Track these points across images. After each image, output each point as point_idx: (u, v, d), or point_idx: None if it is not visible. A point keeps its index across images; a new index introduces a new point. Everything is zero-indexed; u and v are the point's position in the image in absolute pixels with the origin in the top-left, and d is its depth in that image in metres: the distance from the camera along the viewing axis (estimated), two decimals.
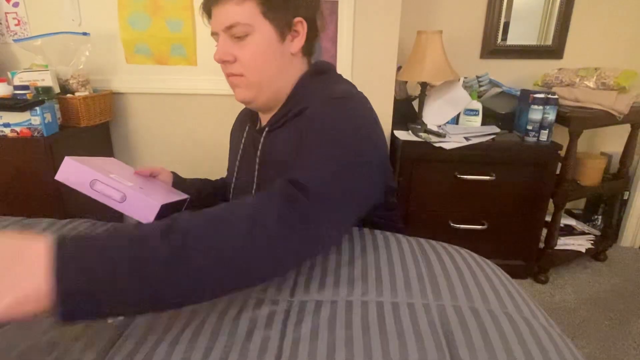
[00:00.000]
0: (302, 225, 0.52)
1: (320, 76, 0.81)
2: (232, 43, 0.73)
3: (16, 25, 1.86)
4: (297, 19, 0.75)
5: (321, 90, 0.74)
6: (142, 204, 0.73)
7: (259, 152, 0.81)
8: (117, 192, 0.73)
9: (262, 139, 0.81)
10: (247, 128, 0.89)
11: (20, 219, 0.88)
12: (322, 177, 0.57)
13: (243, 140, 0.88)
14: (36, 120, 1.50)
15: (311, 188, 0.54)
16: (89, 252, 0.41)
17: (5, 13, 1.84)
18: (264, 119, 0.85)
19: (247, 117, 0.93)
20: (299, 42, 0.77)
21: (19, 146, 1.53)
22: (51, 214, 1.18)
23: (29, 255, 0.37)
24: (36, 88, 1.56)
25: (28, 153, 1.53)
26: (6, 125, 1.51)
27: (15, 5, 1.83)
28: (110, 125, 1.98)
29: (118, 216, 2.07)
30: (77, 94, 1.70)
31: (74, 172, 0.73)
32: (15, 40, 1.82)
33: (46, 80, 1.63)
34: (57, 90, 1.67)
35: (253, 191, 0.82)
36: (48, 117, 1.54)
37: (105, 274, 0.40)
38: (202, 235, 0.46)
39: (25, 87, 1.55)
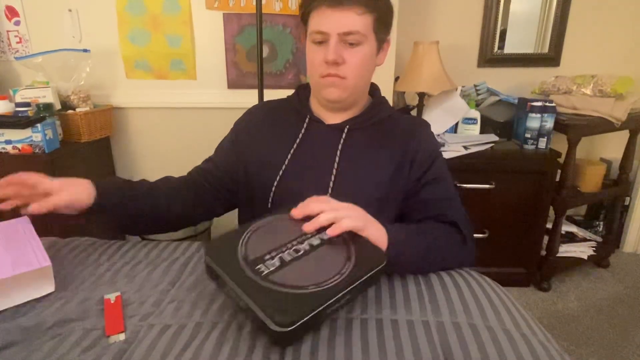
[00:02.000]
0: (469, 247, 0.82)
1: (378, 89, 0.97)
2: (342, 47, 0.79)
3: (18, 42, 1.88)
4: (388, 37, 0.86)
5: (389, 106, 0.94)
6: None
7: (340, 146, 0.87)
8: None
9: (344, 135, 0.88)
10: (306, 120, 0.91)
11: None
12: (463, 216, 0.85)
13: (302, 132, 0.90)
14: (37, 137, 1.52)
15: (464, 233, 0.82)
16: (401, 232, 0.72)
17: (7, 31, 1.87)
18: (333, 116, 0.91)
19: (281, 111, 0.96)
20: (383, 56, 0.88)
21: (20, 163, 1.54)
22: (52, 231, 1.18)
23: (377, 224, 0.68)
24: (37, 105, 1.58)
25: (29, 169, 1.53)
26: (8, 142, 1.52)
27: (17, 23, 1.85)
28: (111, 140, 2.00)
29: (120, 237, 2.07)
30: (78, 109, 1.72)
31: None
32: (16, 58, 1.84)
33: (47, 96, 1.65)
34: (58, 106, 1.69)
35: (332, 181, 0.85)
36: (49, 133, 1.55)
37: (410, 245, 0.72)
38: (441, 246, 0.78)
39: (27, 104, 1.56)
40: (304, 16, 0.83)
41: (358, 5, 0.77)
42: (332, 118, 0.90)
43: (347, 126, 0.88)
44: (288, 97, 0.99)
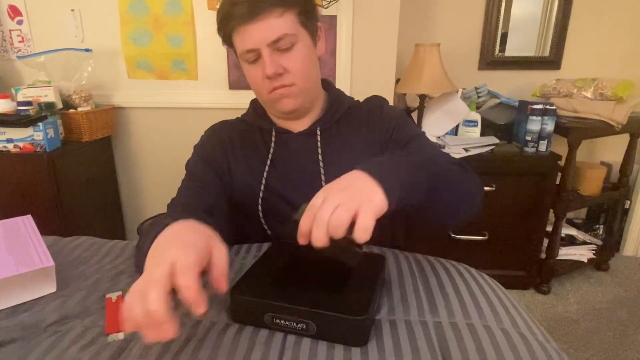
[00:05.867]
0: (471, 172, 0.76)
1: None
2: (278, 56, 0.75)
3: (20, 42, 1.89)
4: (319, 23, 0.82)
5: (347, 96, 0.92)
6: None
7: (320, 150, 0.85)
8: None
9: (319, 138, 0.85)
10: (273, 134, 0.87)
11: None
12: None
13: (272, 147, 0.86)
14: (39, 136, 1.52)
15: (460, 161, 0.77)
16: (392, 166, 0.59)
17: (10, 30, 1.88)
18: (298, 123, 0.87)
19: (244, 130, 0.90)
20: (322, 44, 0.84)
21: (21, 161, 1.55)
22: (53, 229, 1.19)
23: (364, 185, 0.54)
24: (39, 104, 1.59)
25: (30, 168, 1.55)
26: (9, 140, 1.53)
27: (20, 22, 1.86)
28: (112, 140, 2.00)
29: (120, 234, 2.08)
30: (79, 109, 1.72)
31: None
32: (19, 57, 1.85)
33: (49, 96, 1.66)
34: (59, 105, 1.69)
35: (322, 185, 0.81)
36: (50, 132, 1.56)
37: (411, 177, 0.60)
38: (450, 171, 0.71)
39: (29, 103, 1.57)
40: (225, 40, 0.79)
41: (274, 8, 0.72)
42: (297, 125, 0.87)
43: (319, 128, 0.86)
44: (245, 114, 0.94)
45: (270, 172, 0.85)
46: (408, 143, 0.85)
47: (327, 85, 0.93)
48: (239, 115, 0.95)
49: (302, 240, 0.54)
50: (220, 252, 0.51)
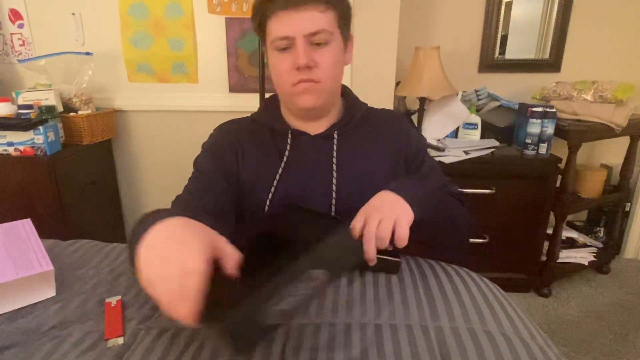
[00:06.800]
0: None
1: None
2: (311, 49, 0.75)
3: (21, 45, 1.89)
4: (350, 32, 0.83)
5: (361, 102, 0.93)
6: None
7: (335, 156, 0.84)
8: None
9: (335, 142, 0.85)
10: (289, 135, 0.86)
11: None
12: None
13: (288, 150, 0.85)
14: (39, 139, 1.52)
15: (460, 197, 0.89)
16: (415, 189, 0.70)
17: (11, 34, 1.88)
18: (314, 125, 0.86)
19: (256, 131, 0.88)
20: (350, 55, 0.84)
21: (22, 165, 1.55)
22: (53, 233, 1.19)
23: (395, 201, 0.66)
24: (40, 107, 1.59)
25: (31, 172, 1.55)
26: (10, 144, 1.53)
27: (21, 26, 1.87)
28: (113, 143, 2.00)
29: (121, 238, 2.08)
30: (80, 112, 1.73)
31: None
32: (19, 61, 1.86)
33: (50, 99, 1.66)
34: (60, 109, 1.70)
35: (334, 191, 0.82)
36: (51, 135, 1.56)
37: (426, 197, 0.70)
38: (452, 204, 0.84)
39: (29, 107, 1.57)
40: (260, 25, 0.78)
41: (318, 3, 0.73)
42: (314, 128, 0.86)
43: (336, 132, 0.85)
44: (256, 114, 0.92)
45: (282, 175, 0.83)
46: (419, 170, 0.89)
47: (345, 91, 0.93)
48: (248, 115, 0.93)
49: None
50: (226, 243, 0.48)
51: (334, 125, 0.86)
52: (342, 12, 0.77)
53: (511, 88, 2.19)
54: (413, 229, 0.64)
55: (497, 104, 2.02)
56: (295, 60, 0.74)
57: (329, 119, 0.87)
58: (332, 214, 0.81)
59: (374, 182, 0.81)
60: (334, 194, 0.82)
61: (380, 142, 0.87)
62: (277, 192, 0.82)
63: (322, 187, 0.83)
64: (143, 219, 0.55)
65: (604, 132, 1.82)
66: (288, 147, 0.85)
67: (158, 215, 0.51)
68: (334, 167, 0.83)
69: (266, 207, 0.82)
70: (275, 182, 0.83)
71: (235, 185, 0.85)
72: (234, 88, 1.92)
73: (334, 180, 0.83)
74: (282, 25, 0.73)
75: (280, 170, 0.83)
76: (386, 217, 0.62)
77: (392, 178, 0.85)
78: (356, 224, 0.64)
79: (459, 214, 0.83)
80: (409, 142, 0.89)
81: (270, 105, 0.90)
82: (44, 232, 0.83)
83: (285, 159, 0.84)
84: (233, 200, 0.84)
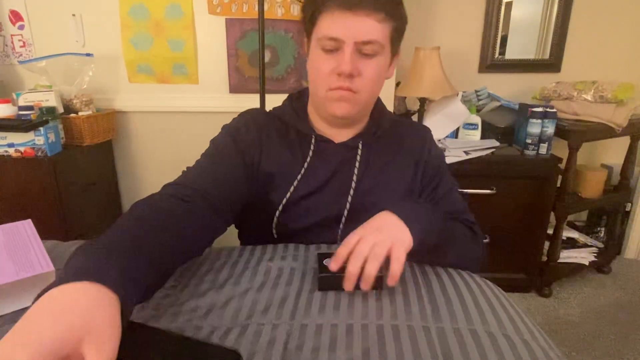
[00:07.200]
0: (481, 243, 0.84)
1: None
2: (358, 57, 0.71)
3: (21, 46, 1.90)
4: (399, 48, 0.79)
5: (388, 111, 0.90)
6: None
7: (357, 167, 0.83)
8: None
9: (359, 152, 0.83)
10: (312, 141, 0.83)
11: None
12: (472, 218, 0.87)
13: (310, 155, 0.83)
14: (40, 140, 1.52)
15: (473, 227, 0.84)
16: (428, 216, 0.68)
17: (11, 35, 1.88)
18: (339, 133, 0.84)
19: (281, 126, 0.86)
20: (392, 70, 0.81)
21: (22, 166, 1.55)
22: (54, 234, 1.19)
23: (395, 225, 0.64)
24: (40, 108, 1.59)
25: (32, 173, 1.55)
26: (10, 145, 1.53)
27: (21, 27, 1.87)
28: (113, 144, 2.01)
29: None
30: (80, 113, 1.73)
31: None
32: (20, 62, 1.86)
33: (50, 100, 1.66)
34: (60, 110, 1.70)
35: (348, 202, 0.81)
36: (52, 136, 1.56)
37: (438, 228, 0.69)
38: (459, 235, 0.79)
39: (30, 108, 1.57)
40: (312, 17, 0.73)
41: (379, 11, 0.68)
42: (338, 135, 0.84)
43: (361, 142, 0.83)
44: (281, 109, 0.88)
45: (301, 181, 0.81)
46: (437, 190, 0.86)
47: (376, 102, 0.89)
48: (271, 109, 0.90)
49: (333, 266, 0.62)
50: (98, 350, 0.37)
51: (359, 135, 0.84)
52: (398, 26, 0.73)
53: (511, 88, 2.19)
54: (410, 256, 0.62)
55: (497, 104, 2.03)
56: (339, 66, 0.70)
57: (355, 129, 0.85)
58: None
59: (391, 195, 0.82)
60: (347, 205, 0.81)
61: (402, 154, 0.85)
62: (292, 196, 0.81)
63: (337, 196, 0.82)
64: (69, 261, 0.48)
65: (604, 132, 1.83)
66: (310, 152, 0.83)
67: (71, 270, 0.43)
68: (354, 177, 0.82)
69: (279, 210, 0.81)
70: (292, 187, 0.81)
71: (250, 177, 0.81)
72: (234, 89, 1.93)
73: (351, 192, 0.82)
74: (335, 25, 0.69)
75: (299, 176, 0.81)
76: (382, 241, 0.60)
77: (410, 192, 0.84)
78: (350, 240, 0.62)
79: (465, 246, 0.78)
80: (429, 158, 0.86)
81: (297, 105, 0.87)
82: (45, 233, 0.83)
83: (306, 165, 0.82)
84: (243, 191, 0.80)
